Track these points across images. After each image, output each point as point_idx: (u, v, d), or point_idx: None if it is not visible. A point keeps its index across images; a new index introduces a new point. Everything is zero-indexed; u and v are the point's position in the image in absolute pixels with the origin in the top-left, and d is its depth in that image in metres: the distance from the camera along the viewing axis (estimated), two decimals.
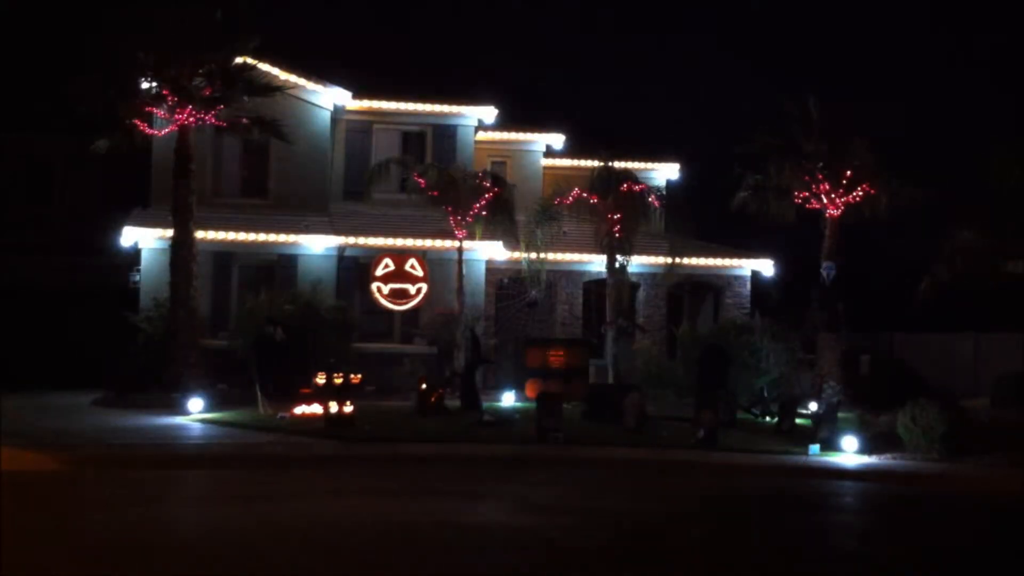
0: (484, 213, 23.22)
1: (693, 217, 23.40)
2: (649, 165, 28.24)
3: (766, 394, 21.07)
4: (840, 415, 18.19)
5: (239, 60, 22.10)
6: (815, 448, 16.28)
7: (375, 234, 24.40)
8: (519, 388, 21.76)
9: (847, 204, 22.09)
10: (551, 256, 23.39)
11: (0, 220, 25.72)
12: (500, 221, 23.31)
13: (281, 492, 11.85)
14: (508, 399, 21.02)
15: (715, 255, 26.69)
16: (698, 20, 56.21)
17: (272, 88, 22.29)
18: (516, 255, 24.11)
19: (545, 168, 28.03)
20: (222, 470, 13.67)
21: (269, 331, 19.79)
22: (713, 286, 26.87)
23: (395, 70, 28.48)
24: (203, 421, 17.77)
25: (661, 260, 24.28)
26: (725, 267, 26.84)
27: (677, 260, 23.37)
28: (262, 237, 23.86)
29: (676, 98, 49.47)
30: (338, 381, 20.47)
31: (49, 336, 23.78)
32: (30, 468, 12.87)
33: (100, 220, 24.33)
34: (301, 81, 24.99)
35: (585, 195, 22.71)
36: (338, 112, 25.93)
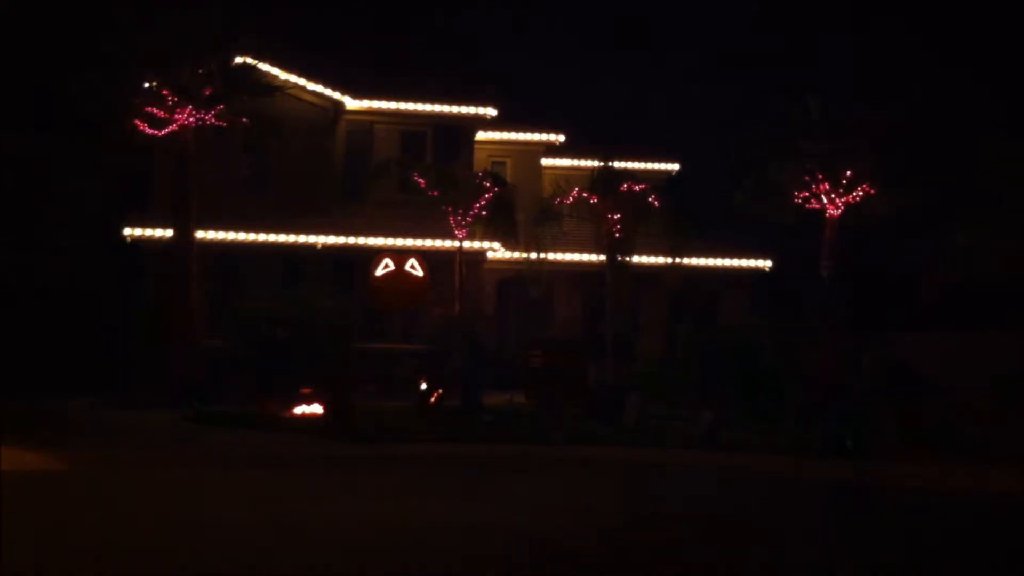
0: (484, 213, 23.22)
1: (693, 217, 23.41)
2: (649, 165, 28.29)
3: (766, 394, 21.07)
4: (840, 415, 18.18)
5: (239, 60, 22.13)
6: (815, 448, 16.28)
7: (375, 234, 24.41)
8: (519, 388, 21.77)
9: (847, 204, 22.10)
10: (551, 256, 23.39)
11: None
12: (500, 221, 23.30)
13: (281, 492, 11.84)
14: (508, 399, 21.01)
15: (715, 255, 26.71)
16: (698, 19, 56.17)
17: (272, 88, 22.29)
18: (516, 255, 24.11)
19: (545, 168, 28.06)
20: (221, 470, 13.66)
21: (269, 331, 19.79)
22: (713, 286, 26.87)
23: (396, 70, 28.43)
24: (203, 421, 17.76)
25: (661, 260, 24.29)
26: (725, 267, 26.85)
27: (677, 260, 23.37)
28: (262, 237, 23.88)
29: (676, 98, 49.42)
30: (338, 381, 20.48)
31: (49, 336, 23.76)
32: (30, 468, 12.87)
33: (100, 220, 24.34)
34: (301, 81, 25.00)
35: (585, 195, 22.72)
36: (338, 112, 25.93)
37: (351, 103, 25.96)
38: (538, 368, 21.91)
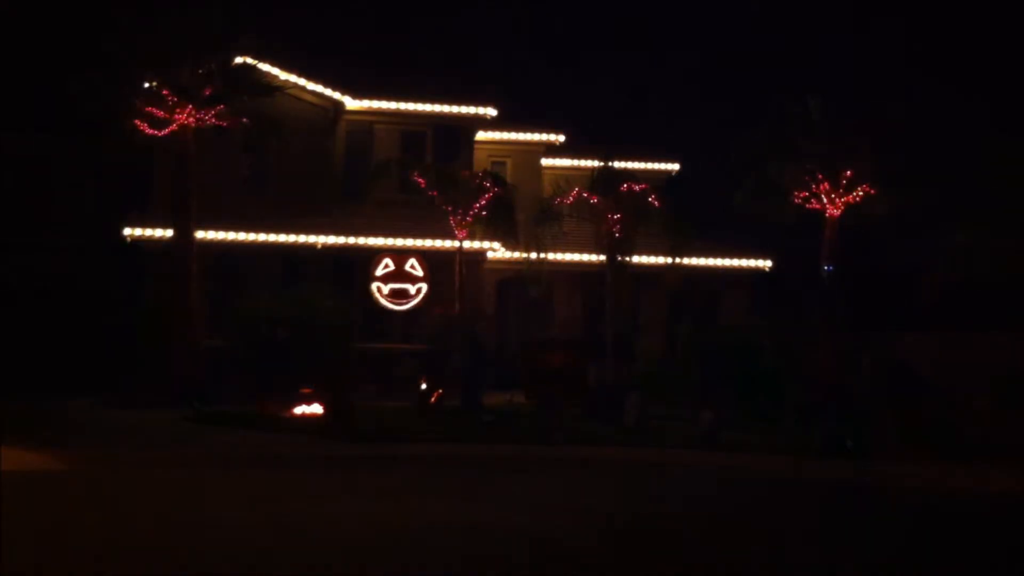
0: (484, 213, 23.22)
1: (693, 217, 23.42)
2: (649, 165, 28.31)
3: (766, 394, 21.07)
4: (840, 415, 18.18)
5: (239, 60, 22.15)
6: (815, 448, 16.28)
7: (375, 234, 24.42)
8: (519, 388, 21.76)
9: (847, 204, 22.10)
10: (551, 256, 23.40)
11: None
12: (500, 221, 23.30)
13: (281, 492, 11.84)
14: (508, 399, 21.01)
15: (715, 255, 26.71)
16: (698, 19, 56.18)
17: (272, 88, 22.31)
18: (516, 255, 24.12)
19: (545, 168, 28.07)
20: (222, 470, 13.66)
21: (269, 331, 19.79)
22: (713, 286, 26.88)
23: (396, 70, 28.45)
24: (203, 421, 17.77)
25: (661, 260, 24.30)
26: (725, 267, 26.85)
27: (677, 260, 23.38)
28: (262, 237, 23.89)
29: (676, 98, 49.44)
30: (338, 381, 20.48)
31: (49, 336, 23.77)
32: (30, 468, 12.87)
33: (100, 220, 24.34)
34: (301, 81, 25.02)
35: (585, 195, 22.73)
36: (338, 112, 25.95)
37: (351, 103, 25.97)
38: (538, 368, 21.86)
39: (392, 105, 26.42)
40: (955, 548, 10.18)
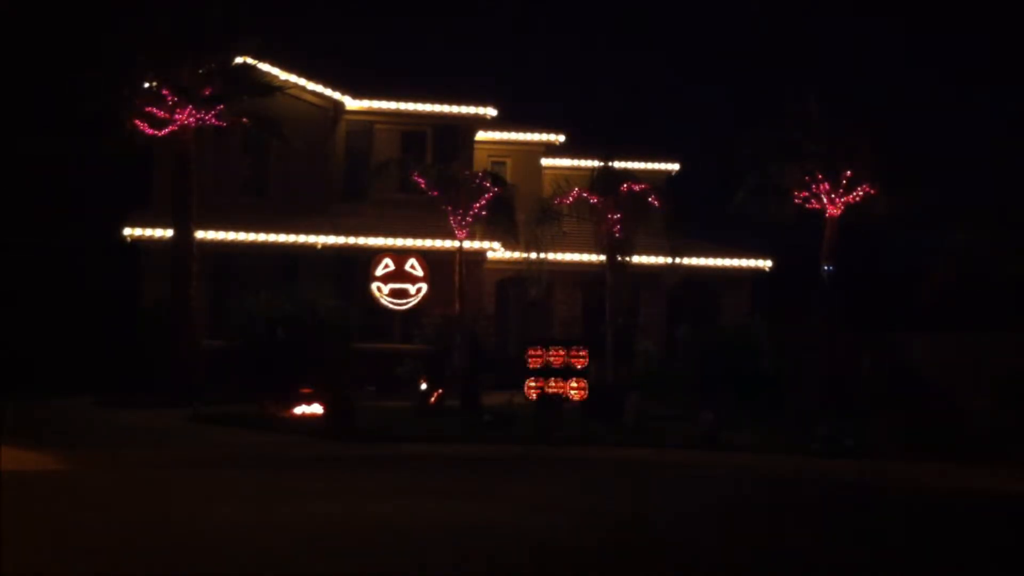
0: (484, 213, 23.24)
1: (693, 217, 23.48)
2: (649, 164, 28.32)
3: (766, 394, 21.08)
4: (840, 415, 18.19)
5: (239, 60, 22.17)
6: (815, 448, 16.28)
7: (375, 234, 24.42)
8: (519, 388, 21.75)
9: (847, 204, 22.11)
10: (551, 256, 23.40)
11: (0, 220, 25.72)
12: (500, 221, 23.33)
13: (280, 492, 11.84)
14: (508, 399, 21.00)
15: (715, 255, 26.71)
16: (699, 20, 56.23)
17: (272, 88, 22.33)
18: (516, 255, 24.13)
19: (545, 168, 28.08)
20: (222, 470, 13.66)
21: (269, 331, 19.79)
22: (713, 286, 26.88)
23: (396, 70, 28.59)
24: (203, 420, 17.77)
25: (661, 260, 24.31)
26: (725, 267, 26.85)
27: (677, 260, 23.40)
28: (262, 237, 23.89)
29: (676, 98, 49.50)
30: (338, 381, 20.49)
31: (49, 335, 23.78)
32: (30, 468, 12.86)
33: (100, 220, 24.34)
34: (301, 81, 25.04)
35: (585, 195, 22.74)
36: (338, 112, 25.96)
37: (351, 103, 25.98)
38: (538, 368, 21.83)
39: (392, 105, 26.43)
40: (955, 548, 10.18)
